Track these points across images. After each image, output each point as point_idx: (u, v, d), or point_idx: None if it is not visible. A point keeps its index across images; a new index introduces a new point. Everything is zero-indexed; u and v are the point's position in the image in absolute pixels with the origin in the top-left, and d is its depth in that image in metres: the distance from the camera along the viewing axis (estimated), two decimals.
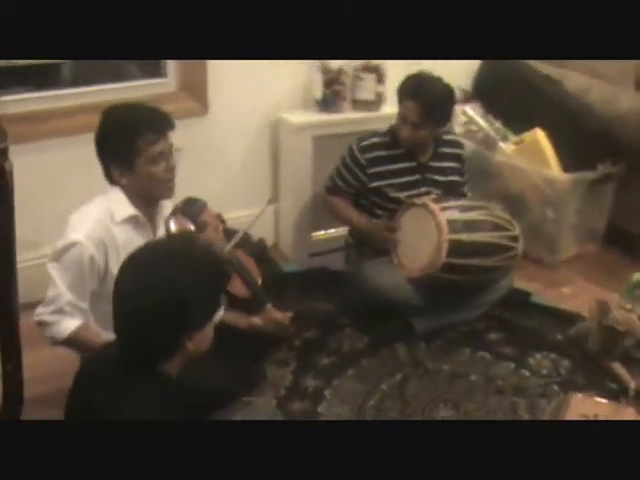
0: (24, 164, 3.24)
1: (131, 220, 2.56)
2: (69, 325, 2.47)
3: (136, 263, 1.85)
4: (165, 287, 1.76)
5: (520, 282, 3.70)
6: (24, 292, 2.57)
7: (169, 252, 1.89)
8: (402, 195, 3.28)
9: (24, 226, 3.19)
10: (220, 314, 2.82)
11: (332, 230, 3.98)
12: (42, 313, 2.51)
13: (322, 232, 4.02)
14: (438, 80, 3.23)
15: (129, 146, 2.48)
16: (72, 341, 2.48)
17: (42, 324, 2.51)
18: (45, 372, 2.76)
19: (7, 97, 3.28)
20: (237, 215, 3.10)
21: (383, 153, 3.33)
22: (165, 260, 1.83)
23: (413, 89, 3.18)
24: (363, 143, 3.34)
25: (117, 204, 2.55)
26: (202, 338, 1.88)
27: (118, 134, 2.51)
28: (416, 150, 3.33)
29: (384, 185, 3.31)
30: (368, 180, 3.33)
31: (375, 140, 3.35)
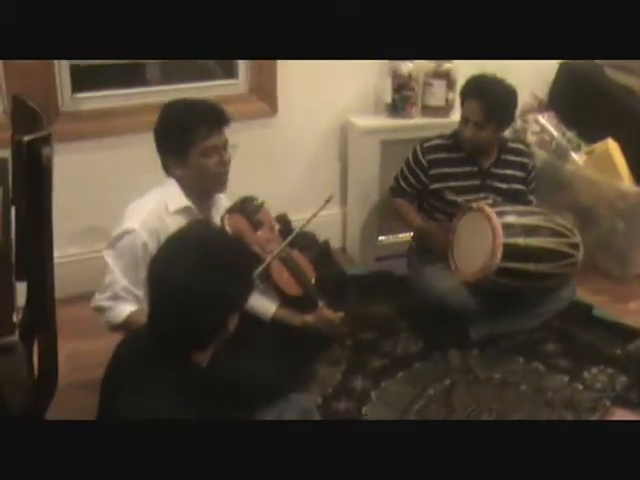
0: (99, 159, 3.43)
1: (184, 211, 2.64)
2: (124, 310, 2.57)
3: (174, 250, 1.90)
4: (209, 271, 1.81)
5: (587, 295, 3.65)
6: (86, 282, 2.70)
7: (203, 240, 1.94)
8: (460, 199, 3.27)
9: (93, 217, 3.37)
10: (271, 309, 2.89)
11: (399, 235, 3.97)
12: (99, 299, 2.62)
13: (389, 237, 4.03)
14: (501, 81, 3.22)
15: (184, 137, 2.57)
16: (127, 326, 2.55)
17: (99, 309, 2.62)
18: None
19: (82, 94, 3.44)
20: (303, 217, 3.13)
21: (445, 155, 3.33)
22: (201, 248, 1.88)
23: (475, 89, 3.19)
24: (426, 144, 3.36)
25: (171, 195, 2.63)
26: (234, 321, 1.93)
27: (174, 125, 2.60)
28: (478, 154, 3.31)
29: (443, 187, 3.31)
30: (429, 182, 3.34)
31: (438, 142, 3.36)
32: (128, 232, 2.55)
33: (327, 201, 3.02)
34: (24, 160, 1.91)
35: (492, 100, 3.16)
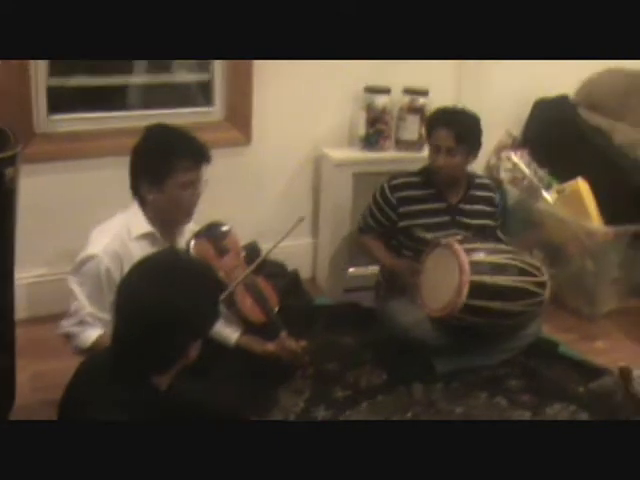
0: (72, 180, 3.43)
1: (147, 237, 2.66)
2: (91, 335, 2.58)
3: (143, 274, 1.92)
4: (174, 295, 1.83)
5: (555, 332, 3.67)
6: (55, 303, 2.70)
7: (172, 266, 1.97)
8: (429, 236, 3.28)
9: (65, 238, 3.37)
10: (235, 335, 2.89)
11: (369, 267, 3.97)
12: (66, 325, 2.63)
13: (359, 268, 4.03)
14: (464, 110, 3.35)
15: (165, 165, 2.59)
16: (94, 350, 2.55)
17: (67, 336, 2.63)
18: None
19: (58, 116, 3.44)
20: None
21: (414, 192, 3.35)
22: (169, 273, 1.90)
23: (443, 117, 3.27)
24: (394, 182, 3.37)
25: (134, 220, 2.66)
26: (196, 348, 1.94)
27: (158, 150, 2.63)
28: (449, 186, 3.34)
29: (412, 225, 3.33)
30: (398, 219, 3.35)
31: (406, 179, 3.38)
32: (91, 258, 2.57)
33: (299, 221, 3.02)
34: None
35: (460, 125, 3.24)
